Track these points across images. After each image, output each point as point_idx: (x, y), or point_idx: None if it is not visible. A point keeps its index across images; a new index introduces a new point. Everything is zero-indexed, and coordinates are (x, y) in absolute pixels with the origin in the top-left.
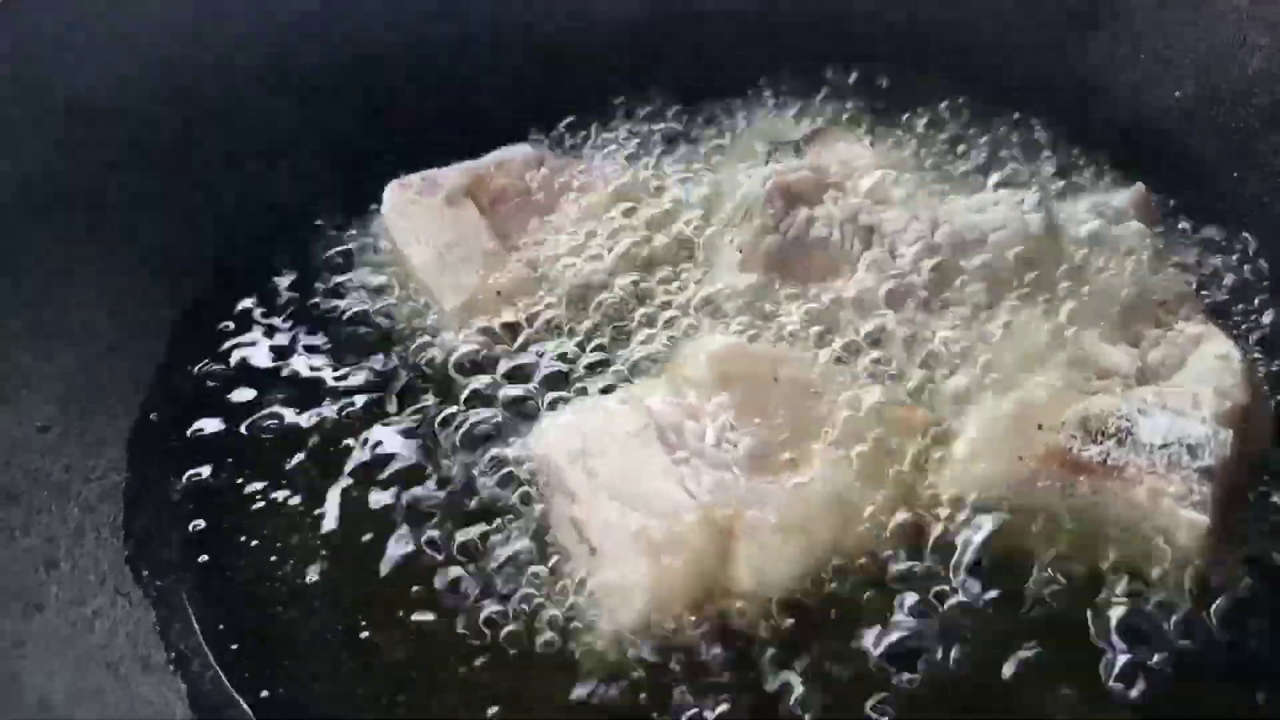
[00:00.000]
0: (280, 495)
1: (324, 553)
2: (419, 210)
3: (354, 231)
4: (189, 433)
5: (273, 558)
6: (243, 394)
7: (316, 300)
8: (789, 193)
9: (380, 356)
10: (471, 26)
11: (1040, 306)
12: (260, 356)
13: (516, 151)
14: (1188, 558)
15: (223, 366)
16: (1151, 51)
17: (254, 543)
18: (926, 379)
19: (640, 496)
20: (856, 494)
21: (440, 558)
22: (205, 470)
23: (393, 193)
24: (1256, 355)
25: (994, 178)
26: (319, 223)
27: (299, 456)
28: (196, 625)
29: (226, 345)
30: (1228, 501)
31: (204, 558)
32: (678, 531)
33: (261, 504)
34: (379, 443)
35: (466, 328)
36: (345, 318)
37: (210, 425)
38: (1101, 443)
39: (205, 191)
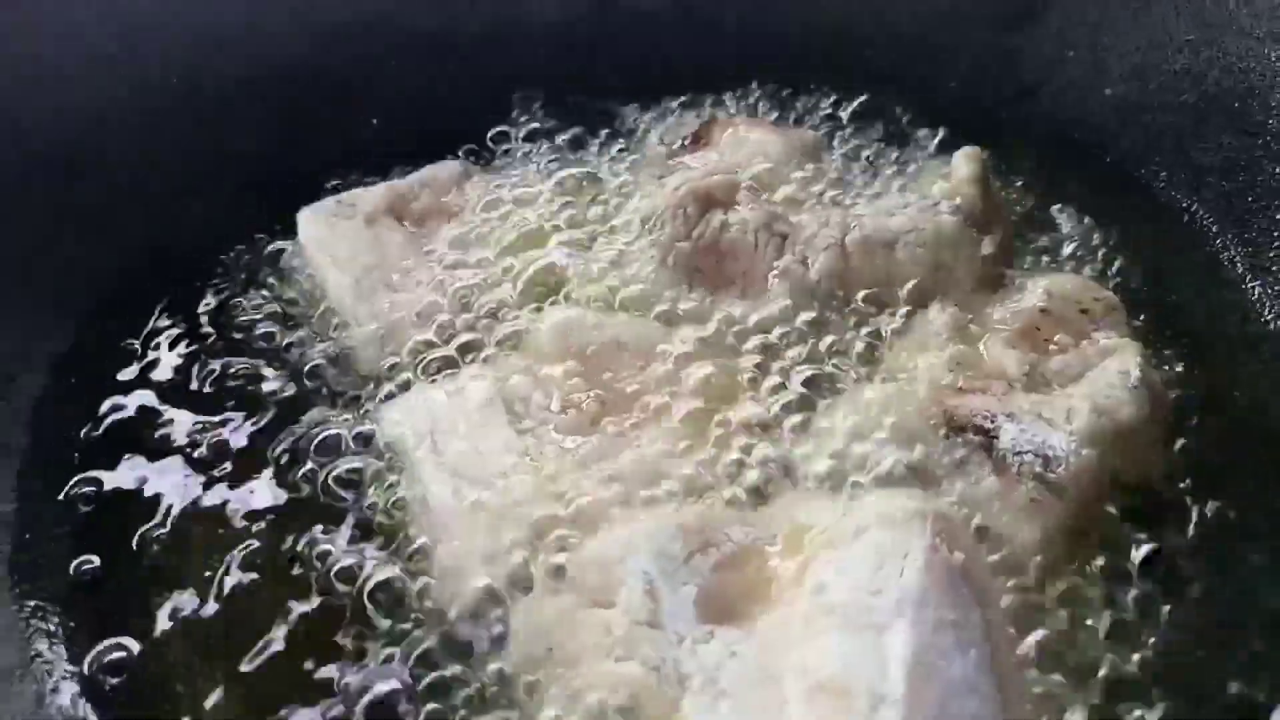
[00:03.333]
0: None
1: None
2: (337, 233)
3: (270, 249)
4: (75, 479)
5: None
6: (133, 429)
7: (219, 326)
8: (702, 197)
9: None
10: (389, 37)
11: (942, 309)
12: (156, 383)
13: (442, 169)
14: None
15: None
16: (1084, 50)
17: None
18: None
19: (482, 471)
20: (687, 453)
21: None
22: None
23: (307, 218)
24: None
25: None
26: (228, 250)
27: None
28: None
29: (122, 375)
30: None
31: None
32: (513, 502)
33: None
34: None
35: (382, 355)
36: (249, 342)
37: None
38: (958, 439)
39: (105, 216)
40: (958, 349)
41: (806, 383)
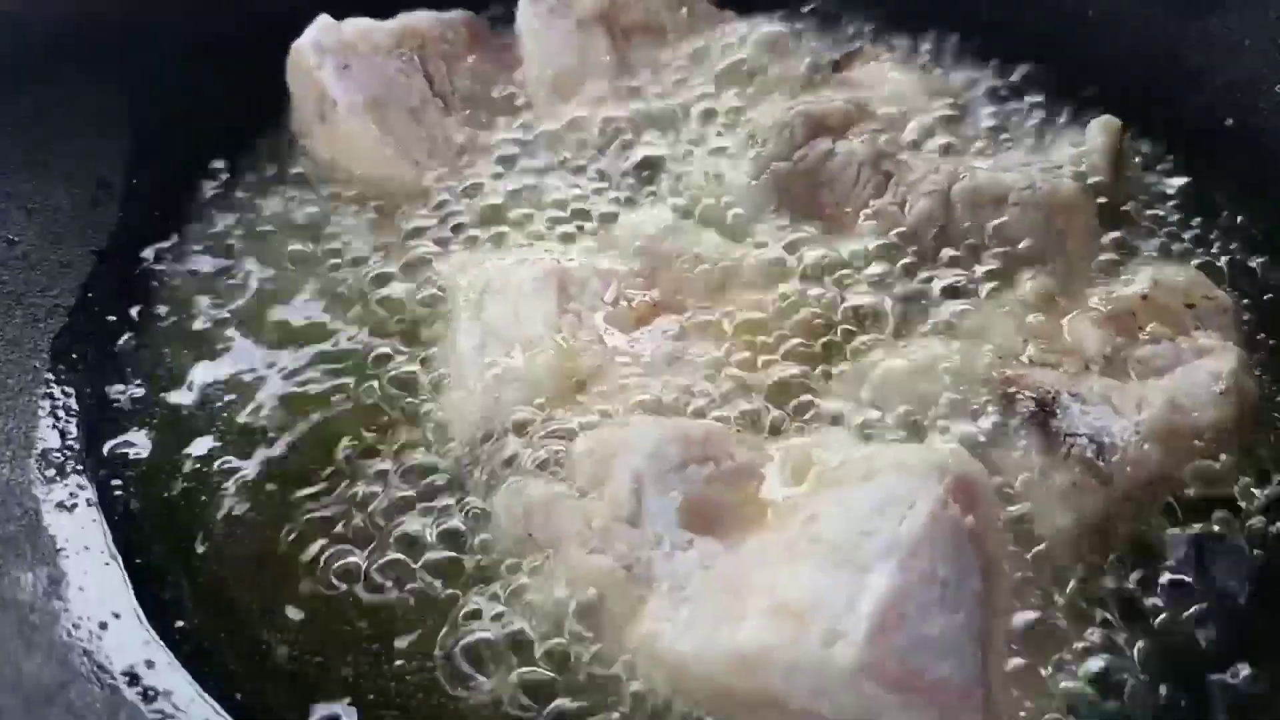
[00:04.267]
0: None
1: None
2: (550, 27)
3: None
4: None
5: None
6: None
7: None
8: (814, 122)
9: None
10: None
11: (1035, 275)
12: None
13: None
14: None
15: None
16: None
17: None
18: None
19: (511, 337)
20: (720, 365)
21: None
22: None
23: (528, 3)
24: None
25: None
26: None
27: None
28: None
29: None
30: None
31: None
32: (526, 368)
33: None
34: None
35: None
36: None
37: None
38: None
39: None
40: (1039, 319)
41: (870, 325)
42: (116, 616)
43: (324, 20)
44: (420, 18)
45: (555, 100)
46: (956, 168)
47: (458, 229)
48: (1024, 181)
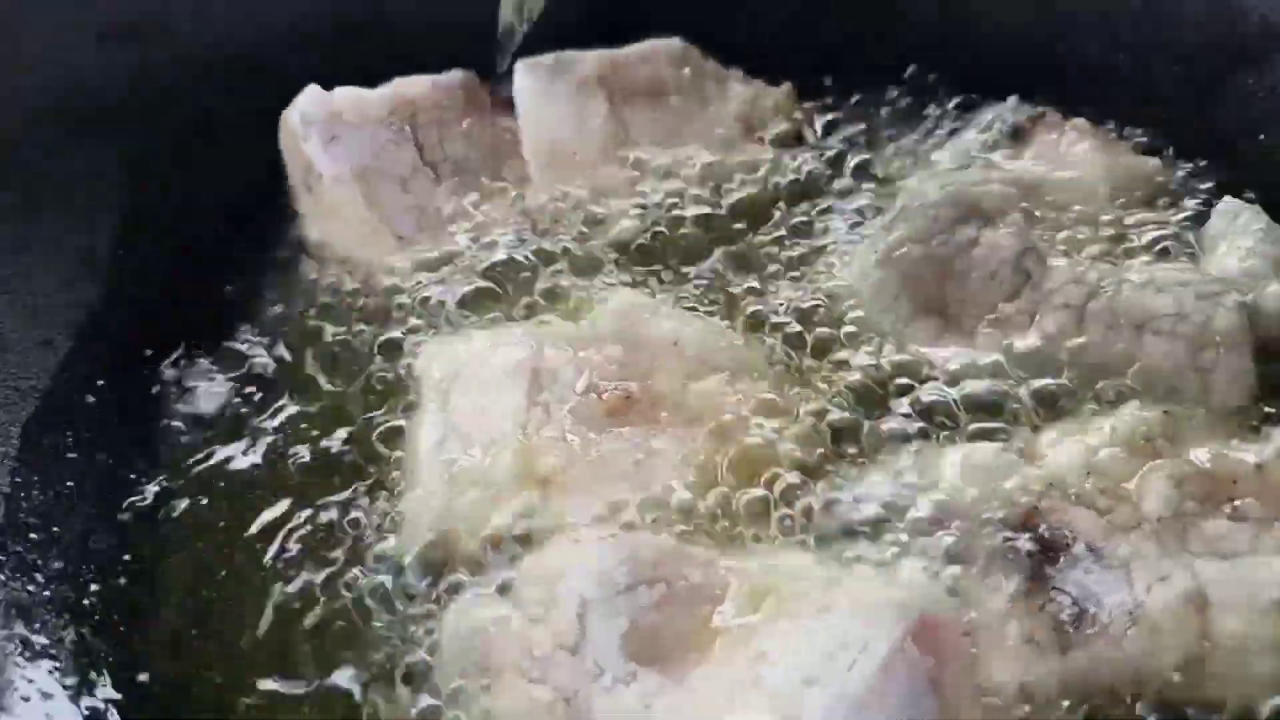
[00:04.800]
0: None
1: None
2: (548, 90)
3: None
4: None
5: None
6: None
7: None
8: (966, 206)
9: None
10: None
11: (1141, 407)
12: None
13: (662, 45)
14: None
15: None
16: None
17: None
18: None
19: (476, 431)
20: (699, 477)
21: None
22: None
23: (525, 68)
24: None
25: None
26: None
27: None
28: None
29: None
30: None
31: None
32: (487, 468)
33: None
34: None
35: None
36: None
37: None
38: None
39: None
40: (1117, 456)
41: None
42: None
43: (312, 90)
44: (413, 83)
45: (550, 168)
46: (1101, 278)
47: (438, 308)
48: (1171, 307)
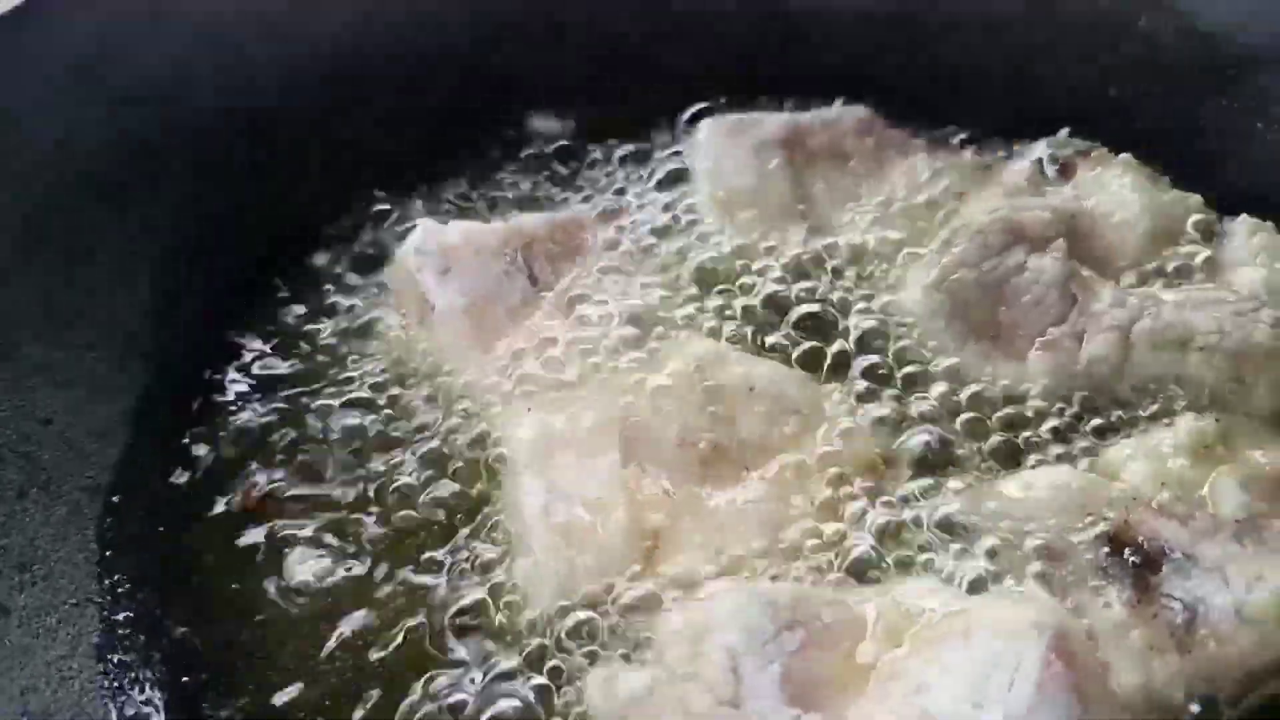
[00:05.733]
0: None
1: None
2: (726, 149)
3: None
4: (182, 442)
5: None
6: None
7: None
8: (1014, 230)
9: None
10: None
11: (1198, 418)
12: (266, 367)
13: (847, 112)
14: None
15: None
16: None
17: (228, 558)
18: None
19: (579, 491)
20: (801, 518)
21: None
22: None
23: (707, 125)
24: None
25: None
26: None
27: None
28: (165, 638)
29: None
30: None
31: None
32: (601, 532)
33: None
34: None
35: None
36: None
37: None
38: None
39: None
40: (1185, 466)
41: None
42: None
43: (427, 224)
44: (529, 219)
45: (725, 219)
46: (1144, 303)
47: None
48: (1212, 325)
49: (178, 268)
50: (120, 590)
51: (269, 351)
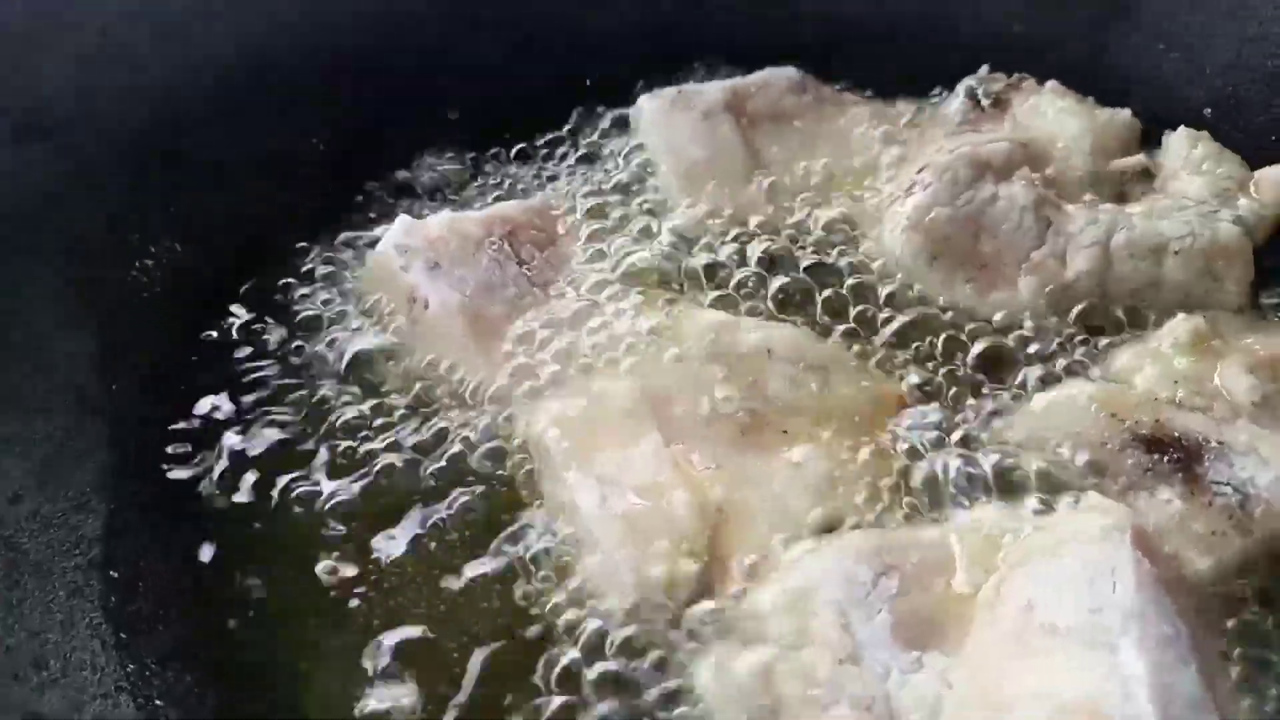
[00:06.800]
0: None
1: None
2: (674, 123)
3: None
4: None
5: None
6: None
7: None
8: (980, 164)
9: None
10: None
11: (1187, 318)
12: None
13: (779, 74)
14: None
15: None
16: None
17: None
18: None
19: (631, 478)
20: (853, 471)
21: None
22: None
23: (649, 103)
24: None
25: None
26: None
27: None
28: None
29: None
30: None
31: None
32: (667, 515)
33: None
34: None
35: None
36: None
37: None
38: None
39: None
40: (1189, 362)
41: (1007, 376)
42: None
43: (404, 219)
44: (505, 206)
45: (687, 194)
46: (1115, 217)
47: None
48: (1183, 230)
49: (124, 316)
50: (148, 671)
51: (243, 388)
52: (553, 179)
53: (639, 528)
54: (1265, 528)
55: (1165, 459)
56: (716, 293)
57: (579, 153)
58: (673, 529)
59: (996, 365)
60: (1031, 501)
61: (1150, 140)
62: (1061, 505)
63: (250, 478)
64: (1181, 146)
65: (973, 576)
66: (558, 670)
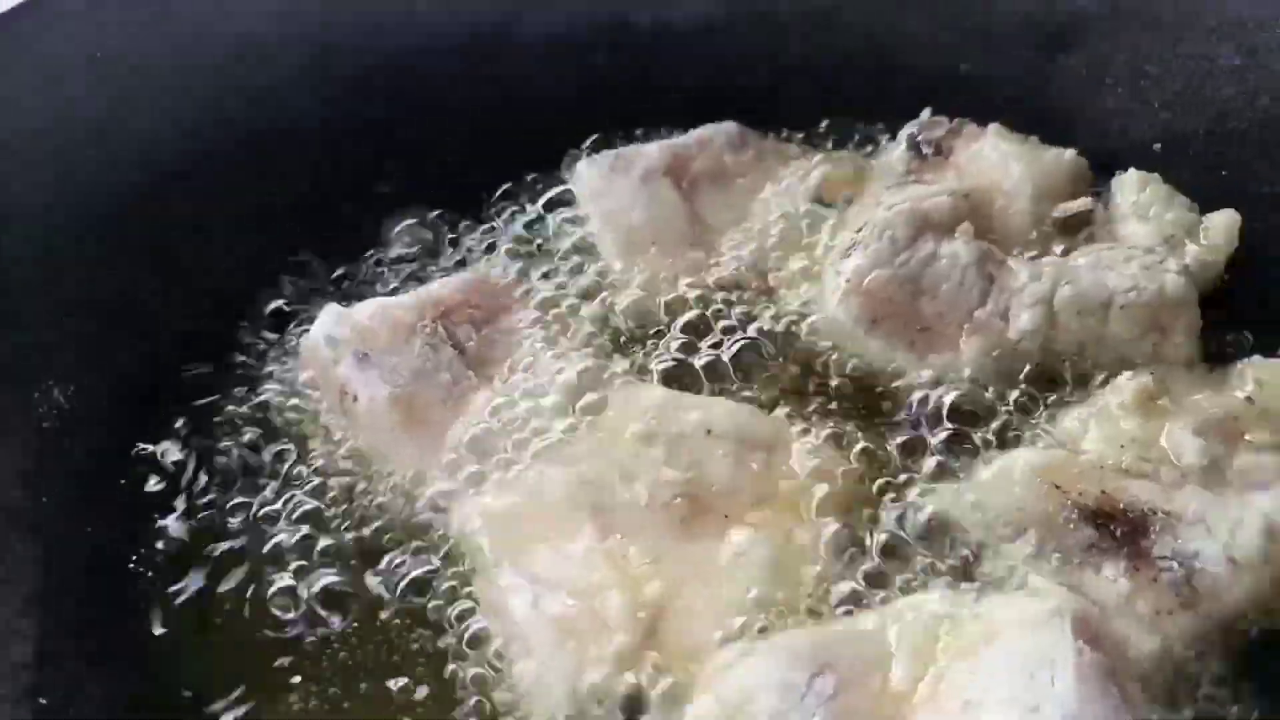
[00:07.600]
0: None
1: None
2: (614, 188)
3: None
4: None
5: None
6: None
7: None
8: (919, 220)
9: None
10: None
11: (1133, 377)
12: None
13: (718, 130)
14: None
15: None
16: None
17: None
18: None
19: (564, 577)
20: (794, 557)
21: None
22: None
23: (587, 168)
24: None
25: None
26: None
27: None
28: None
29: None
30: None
31: None
32: (601, 618)
33: None
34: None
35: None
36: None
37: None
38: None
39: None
40: (1137, 423)
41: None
42: None
43: (332, 308)
44: (440, 285)
45: (628, 259)
46: (1060, 270)
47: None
48: (1127, 283)
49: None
50: None
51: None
52: (490, 249)
53: (572, 631)
54: (1213, 603)
55: (1110, 533)
56: (659, 365)
57: (518, 222)
58: (607, 634)
59: (942, 432)
60: (972, 584)
61: (1103, 173)
62: (1003, 588)
63: (189, 595)
64: (1130, 190)
65: (912, 670)
66: None
